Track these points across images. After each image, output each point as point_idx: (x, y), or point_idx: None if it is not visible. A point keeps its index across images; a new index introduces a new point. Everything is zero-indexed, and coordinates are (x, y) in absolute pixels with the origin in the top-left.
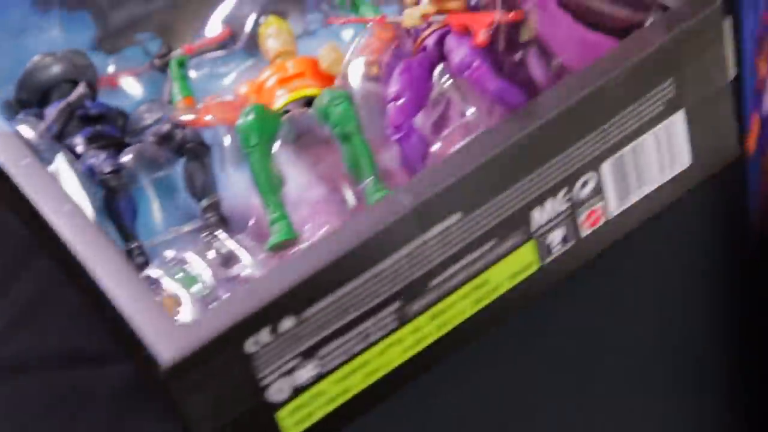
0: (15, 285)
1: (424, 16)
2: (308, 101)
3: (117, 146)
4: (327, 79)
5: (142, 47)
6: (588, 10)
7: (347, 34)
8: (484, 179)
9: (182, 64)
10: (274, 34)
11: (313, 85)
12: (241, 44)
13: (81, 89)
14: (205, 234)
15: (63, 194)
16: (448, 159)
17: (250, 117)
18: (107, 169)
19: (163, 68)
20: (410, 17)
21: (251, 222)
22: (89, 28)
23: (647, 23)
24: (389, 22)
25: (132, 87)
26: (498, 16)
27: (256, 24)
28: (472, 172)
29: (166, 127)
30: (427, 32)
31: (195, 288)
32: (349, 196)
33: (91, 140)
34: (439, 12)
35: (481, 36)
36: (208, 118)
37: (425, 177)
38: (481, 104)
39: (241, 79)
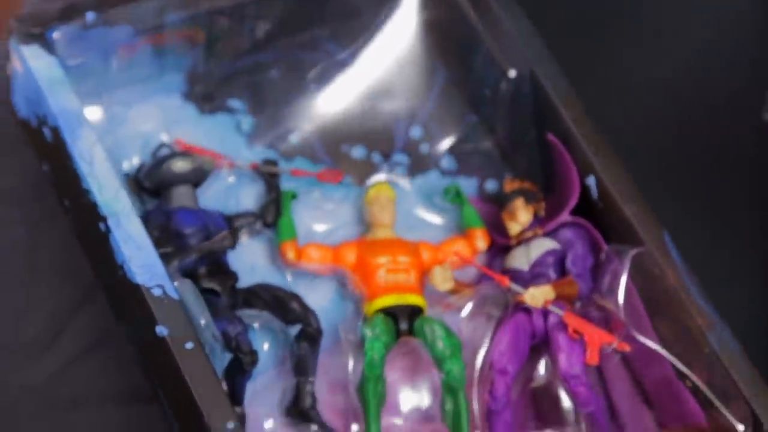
0: (74, 321)
1: (546, 302)
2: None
3: (233, 278)
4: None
5: (234, 121)
6: None
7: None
8: None
9: (294, 198)
10: (382, 203)
11: (418, 295)
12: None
13: (227, 241)
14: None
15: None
16: None
17: (378, 347)
18: (244, 346)
19: (261, 173)
20: (532, 299)
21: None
22: (183, 72)
23: None
24: (512, 290)
25: (226, 173)
26: (617, 341)
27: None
28: None
29: (281, 293)
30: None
31: None
32: None
33: (210, 272)
34: (559, 296)
35: (594, 357)
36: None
37: None
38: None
39: (344, 236)
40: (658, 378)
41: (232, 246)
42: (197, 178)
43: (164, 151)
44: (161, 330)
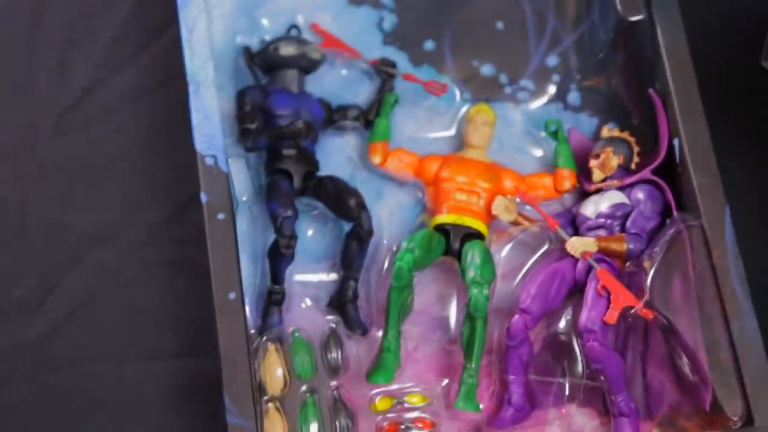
0: (66, 279)
1: (586, 254)
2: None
3: (310, 166)
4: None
5: (378, 17)
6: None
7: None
8: None
9: (396, 103)
10: (477, 124)
11: (480, 220)
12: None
13: (300, 125)
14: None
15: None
16: None
17: (408, 259)
18: (286, 230)
19: (377, 73)
20: (572, 247)
21: None
22: None
23: None
24: (559, 235)
25: (343, 63)
26: (639, 306)
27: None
28: None
29: (344, 188)
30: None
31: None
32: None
33: (291, 155)
34: (605, 252)
35: (613, 317)
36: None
37: None
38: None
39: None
40: (689, 353)
41: (302, 136)
42: (305, 64)
43: (294, 33)
44: (202, 196)
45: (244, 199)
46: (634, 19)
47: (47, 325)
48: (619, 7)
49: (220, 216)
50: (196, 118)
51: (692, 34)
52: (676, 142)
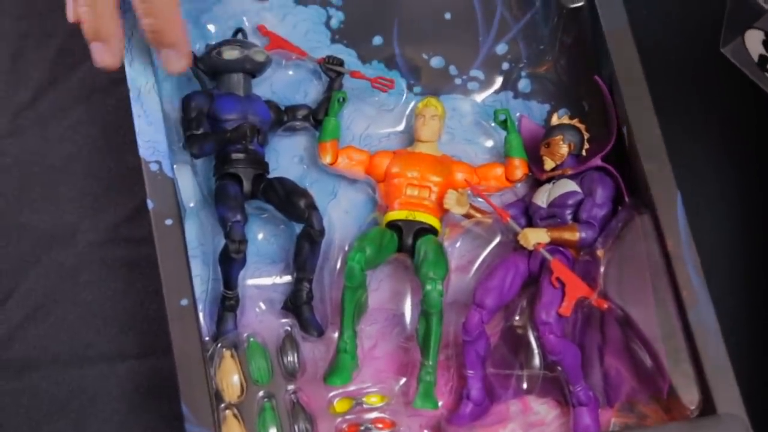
0: (24, 281)
1: (538, 245)
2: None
3: (260, 168)
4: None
5: (325, 15)
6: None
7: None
8: None
9: (344, 101)
10: (427, 118)
11: (432, 215)
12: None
13: (245, 128)
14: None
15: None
16: None
17: (359, 258)
18: (235, 235)
19: (325, 71)
20: (524, 238)
21: None
22: None
23: None
24: (510, 225)
25: (290, 64)
26: (594, 297)
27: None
28: None
29: (293, 189)
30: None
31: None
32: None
33: (239, 159)
34: (553, 242)
35: (568, 309)
36: (342, 165)
37: None
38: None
39: (385, 143)
40: (645, 342)
41: (247, 139)
42: (249, 67)
43: (240, 36)
44: (148, 203)
45: (192, 205)
46: (574, 6)
47: (6, 328)
48: None
49: (168, 222)
50: (138, 124)
51: (651, 20)
52: (625, 129)
